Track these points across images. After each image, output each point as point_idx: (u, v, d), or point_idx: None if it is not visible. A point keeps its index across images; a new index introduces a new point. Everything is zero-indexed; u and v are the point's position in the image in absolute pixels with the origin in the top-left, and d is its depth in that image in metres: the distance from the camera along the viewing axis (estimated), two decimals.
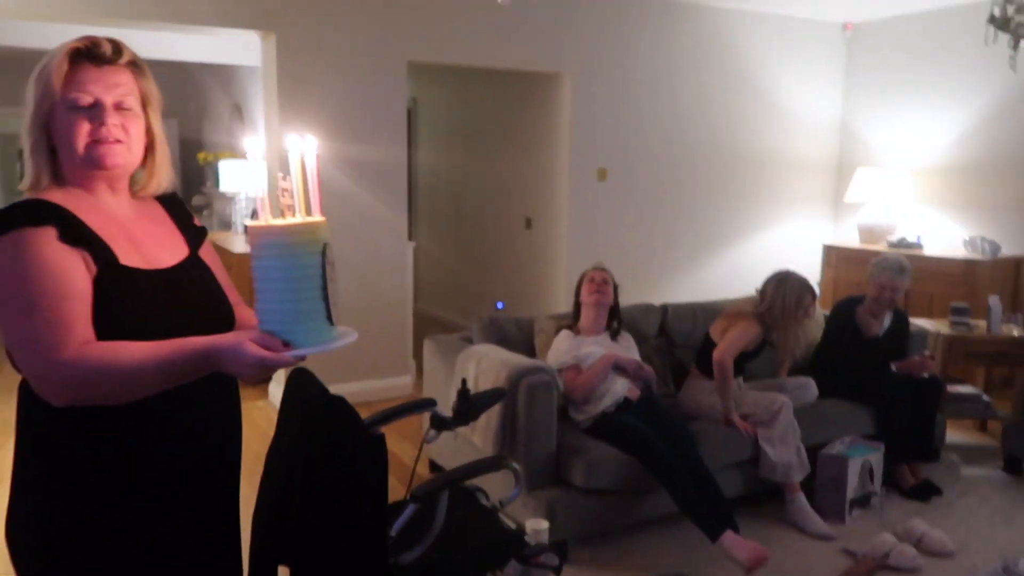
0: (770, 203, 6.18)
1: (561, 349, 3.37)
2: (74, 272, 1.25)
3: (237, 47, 6.61)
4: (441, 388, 3.50)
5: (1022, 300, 5.13)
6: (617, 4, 5.28)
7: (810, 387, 3.57)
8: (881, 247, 5.52)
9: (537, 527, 2.62)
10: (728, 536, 2.84)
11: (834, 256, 5.79)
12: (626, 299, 3.60)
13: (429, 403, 2.41)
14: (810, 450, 3.33)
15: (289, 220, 1.26)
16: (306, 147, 1.27)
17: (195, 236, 1.53)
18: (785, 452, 3.26)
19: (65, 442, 1.30)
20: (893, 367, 3.68)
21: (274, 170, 4.50)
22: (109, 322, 1.26)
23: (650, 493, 3.10)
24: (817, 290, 3.70)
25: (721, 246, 6.04)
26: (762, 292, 3.52)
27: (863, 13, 5.85)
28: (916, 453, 3.60)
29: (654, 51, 5.50)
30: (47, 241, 1.23)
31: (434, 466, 3.65)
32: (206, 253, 1.55)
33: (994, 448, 4.10)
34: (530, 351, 3.58)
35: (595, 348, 3.34)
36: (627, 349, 3.46)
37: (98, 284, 1.27)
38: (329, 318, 1.30)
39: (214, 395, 1.44)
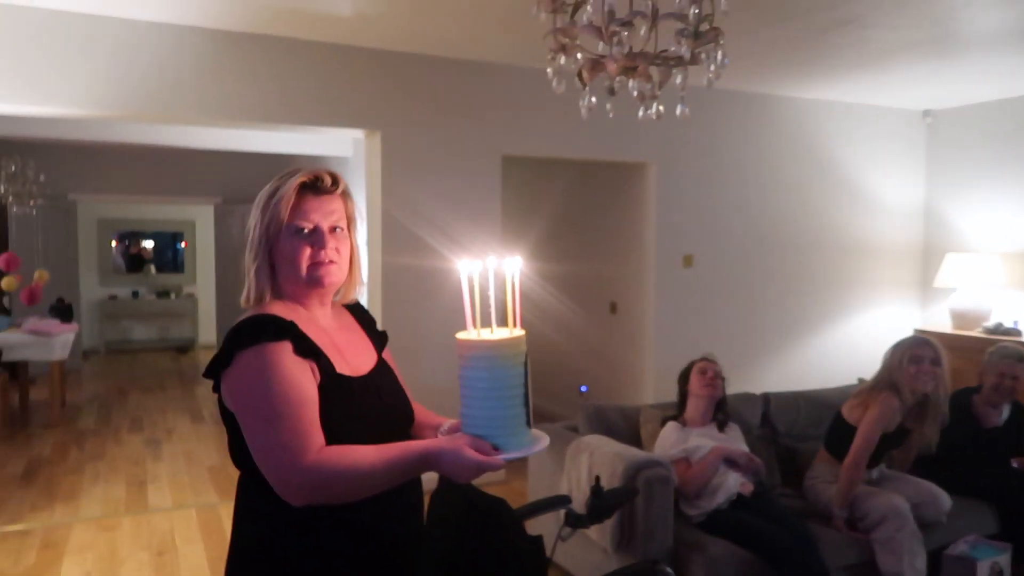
0: (858, 288, 6.14)
1: (668, 441, 3.36)
2: (307, 382, 1.35)
3: (328, 140, 6.97)
4: (548, 479, 3.53)
5: None
6: (701, 96, 5.41)
7: (941, 501, 3.33)
8: (976, 333, 5.42)
9: None
10: None
11: None
12: None
13: (564, 500, 2.46)
14: (930, 553, 3.22)
15: (498, 335, 1.35)
16: (513, 267, 1.37)
17: (380, 340, 1.64)
18: (893, 562, 3.09)
19: (279, 538, 1.39)
20: (1014, 463, 3.57)
21: (377, 261, 4.67)
22: (331, 426, 1.35)
23: None
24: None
25: (809, 332, 5.99)
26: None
27: (943, 101, 5.90)
28: None
29: (738, 140, 5.62)
30: (286, 354, 1.34)
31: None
32: (387, 354, 1.65)
33: None
34: (636, 441, 3.59)
35: (704, 441, 3.33)
36: (735, 441, 3.43)
37: (321, 391, 1.37)
38: (528, 423, 1.39)
39: (410, 494, 1.51)
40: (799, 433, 3.98)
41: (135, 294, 11.09)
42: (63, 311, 7.19)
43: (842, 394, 4.20)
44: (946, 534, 3.37)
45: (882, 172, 6.15)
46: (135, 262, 11.28)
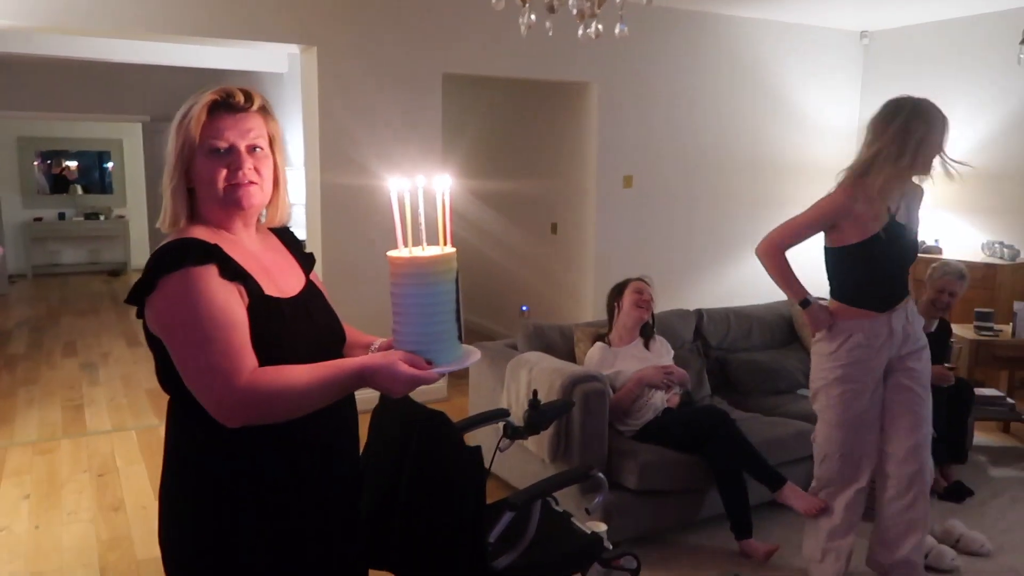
0: (792, 208, 6.19)
1: (592, 363, 3.43)
2: (236, 305, 1.33)
3: (262, 56, 6.70)
4: (488, 395, 3.61)
5: None
6: (642, 15, 5.37)
7: None
8: None
9: (597, 530, 2.73)
10: (788, 487, 3.02)
11: None
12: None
13: (503, 413, 2.53)
14: None
15: (429, 252, 1.36)
16: (444, 185, 1.37)
17: (307, 263, 1.63)
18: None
19: (214, 460, 1.39)
20: None
21: (315, 181, 4.59)
22: (261, 348, 1.34)
23: (702, 492, 3.22)
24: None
25: (745, 251, 6.13)
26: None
27: (880, 22, 5.97)
28: (947, 456, 3.69)
29: (678, 60, 5.61)
30: (211, 277, 1.31)
31: None
32: (314, 276, 1.64)
33: (1019, 449, 4.22)
34: (573, 358, 3.68)
35: (628, 364, 3.40)
36: (660, 356, 3.52)
37: (250, 314, 1.35)
38: (460, 337, 1.42)
39: (345, 410, 1.52)
40: (729, 346, 4.14)
41: (61, 216, 10.68)
42: None
43: (771, 310, 4.37)
44: None
45: (819, 93, 6.24)
46: (59, 183, 10.80)
